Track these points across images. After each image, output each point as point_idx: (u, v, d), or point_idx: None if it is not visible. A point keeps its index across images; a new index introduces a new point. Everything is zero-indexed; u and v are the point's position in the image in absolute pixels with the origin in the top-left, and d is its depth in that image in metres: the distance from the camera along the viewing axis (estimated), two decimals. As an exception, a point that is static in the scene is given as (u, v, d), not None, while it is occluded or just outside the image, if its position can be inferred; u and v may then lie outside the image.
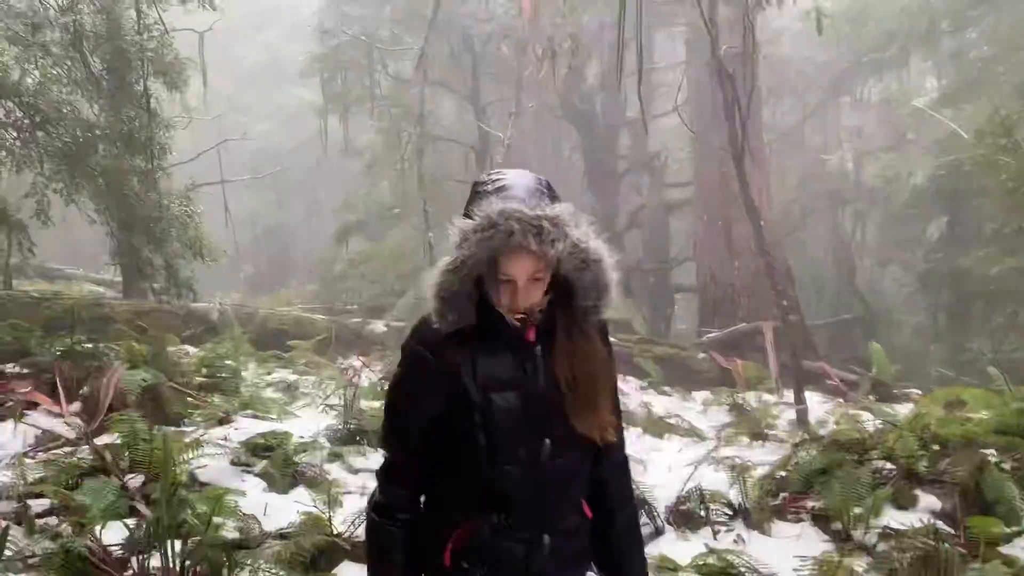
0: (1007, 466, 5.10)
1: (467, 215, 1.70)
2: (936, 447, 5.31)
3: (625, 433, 2.02)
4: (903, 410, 7.43)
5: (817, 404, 8.66)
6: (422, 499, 1.91)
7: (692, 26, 10.81)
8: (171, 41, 7.67)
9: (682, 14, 11.18)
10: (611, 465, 1.96)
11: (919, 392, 9.74)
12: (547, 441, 1.76)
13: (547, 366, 1.78)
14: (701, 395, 9.71)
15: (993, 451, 5.31)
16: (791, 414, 7.97)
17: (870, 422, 6.35)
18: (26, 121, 7.31)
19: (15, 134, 7.51)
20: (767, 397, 9.23)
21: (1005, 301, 11.42)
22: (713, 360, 11.02)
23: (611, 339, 1.99)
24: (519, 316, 1.74)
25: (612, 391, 1.90)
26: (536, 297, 1.73)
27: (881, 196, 15.79)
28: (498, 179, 1.74)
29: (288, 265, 27.04)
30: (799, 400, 7.77)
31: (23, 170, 7.61)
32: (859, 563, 3.88)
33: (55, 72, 6.98)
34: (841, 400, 9.42)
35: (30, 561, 3.09)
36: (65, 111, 7.07)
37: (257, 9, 27.51)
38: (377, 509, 1.87)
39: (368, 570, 1.89)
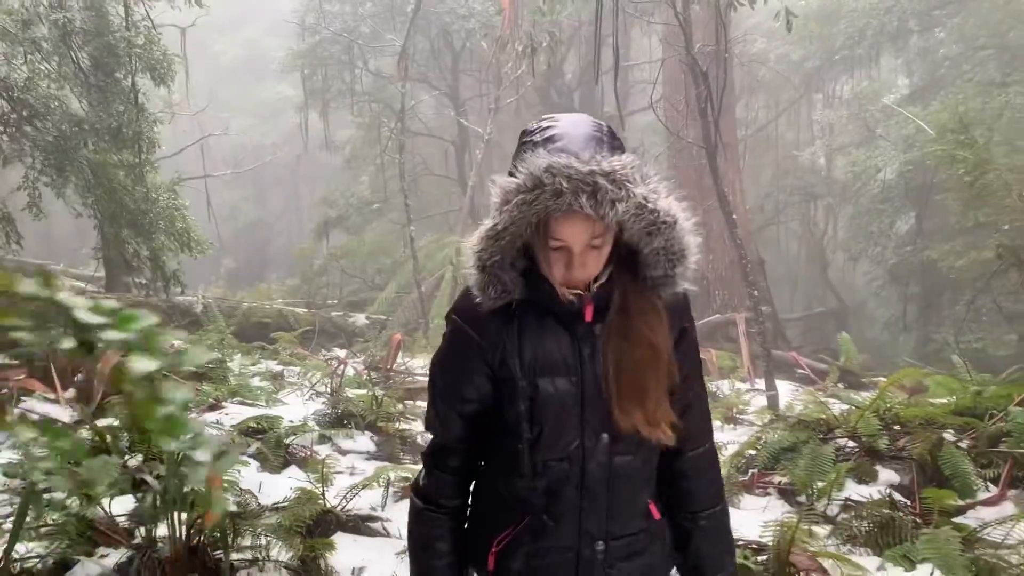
0: (964, 444, 5.41)
1: (512, 172, 1.43)
2: (897, 427, 5.61)
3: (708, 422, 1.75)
4: (869, 397, 7.75)
5: (788, 391, 8.95)
6: (472, 486, 1.71)
7: (668, 24, 11.06)
8: (158, 37, 7.82)
9: (658, 12, 11.43)
10: (690, 459, 1.68)
11: (886, 380, 10.08)
12: (604, 436, 1.53)
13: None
14: (676, 383, 9.96)
15: (951, 431, 5.63)
16: (762, 400, 8.26)
17: (836, 406, 6.64)
18: (13, 116, 7.44)
19: (1, 128, 7.64)
20: (739, 385, 9.54)
21: (966, 291, 11.81)
22: (688, 350, 11.29)
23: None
24: (574, 291, 1.51)
25: (686, 379, 1.60)
26: (595, 267, 1.48)
27: (851, 191, 16.20)
28: (548, 127, 1.45)
29: (267, 259, 27.13)
30: (769, 387, 8.05)
31: (10, 164, 7.75)
32: (821, 530, 4.14)
33: (44, 67, 7.11)
34: (811, 388, 9.73)
35: (43, 531, 3.27)
36: (53, 106, 7.19)
37: (236, 4, 27.51)
38: (421, 495, 1.67)
39: (411, 561, 1.70)
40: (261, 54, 25.92)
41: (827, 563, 3.57)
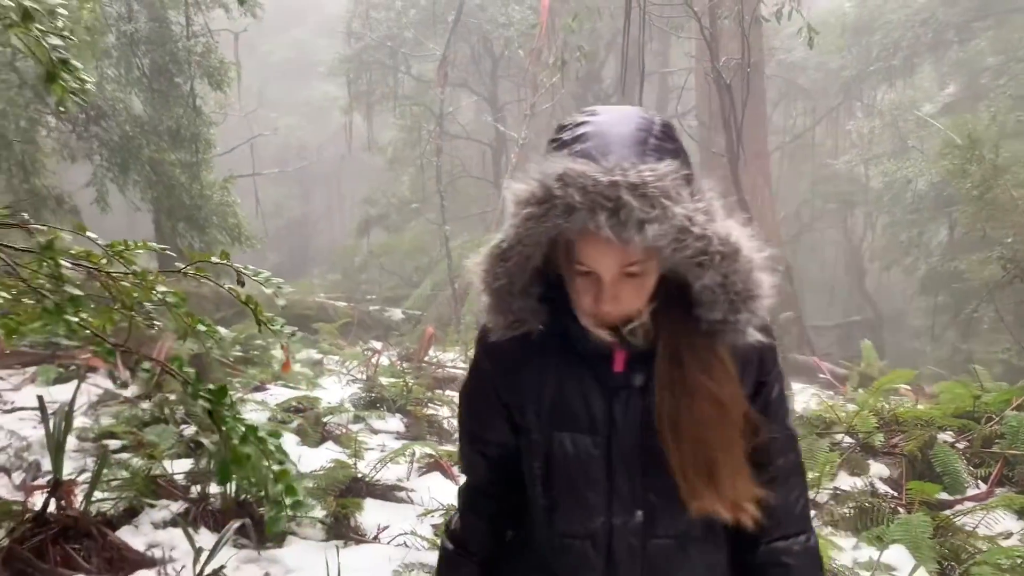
0: (960, 445, 5.72)
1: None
2: (895, 427, 5.94)
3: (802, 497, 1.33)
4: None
5: (810, 395, 9.24)
6: (508, 535, 1.47)
7: (696, 38, 11.43)
8: (215, 46, 8.42)
9: (688, 24, 11.79)
10: (776, 552, 1.29)
11: (907, 387, 10.32)
12: (638, 513, 1.24)
13: (649, 407, 1.21)
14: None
15: (950, 432, 5.94)
16: (777, 401, 8.54)
17: (851, 408, 6.95)
18: (82, 116, 8.09)
19: (71, 127, 8.30)
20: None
21: (992, 302, 11.95)
22: (713, 353, 11.57)
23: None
24: (605, 330, 1.19)
25: (772, 442, 1.26)
26: (630, 302, 1.15)
27: (884, 200, 16.32)
28: (581, 122, 1.14)
29: (310, 255, 27.86)
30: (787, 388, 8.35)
31: (77, 160, 8.41)
32: (807, 514, 4.50)
33: (111, 72, 7.74)
34: (832, 392, 10.01)
35: (113, 483, 3.80)
36: (119, 107, 7.82)
37: (283, 7, 28.31)
38: (453, 539, 1.47)
39: None
40: (308, 55, 26.63)
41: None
